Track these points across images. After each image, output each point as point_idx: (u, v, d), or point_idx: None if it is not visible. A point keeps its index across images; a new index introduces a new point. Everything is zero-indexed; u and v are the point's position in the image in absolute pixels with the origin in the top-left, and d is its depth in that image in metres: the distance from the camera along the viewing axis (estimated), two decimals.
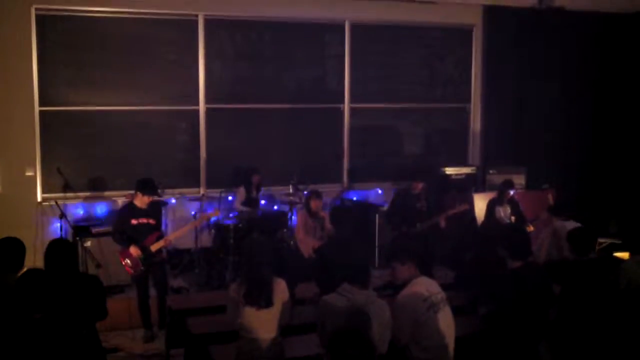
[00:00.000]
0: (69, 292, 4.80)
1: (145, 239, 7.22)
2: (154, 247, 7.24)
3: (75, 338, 4.79)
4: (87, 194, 9.04)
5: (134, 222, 7.24)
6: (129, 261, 7.21)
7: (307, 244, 8.37)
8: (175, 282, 8.52)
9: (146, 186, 7.28)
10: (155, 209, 7.46)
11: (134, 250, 7.15)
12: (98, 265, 7.44)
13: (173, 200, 9.25)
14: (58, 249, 4.95)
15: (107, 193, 9.12)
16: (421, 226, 8.66)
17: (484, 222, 9.21)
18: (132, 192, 7.49)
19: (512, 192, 9.03)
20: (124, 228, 7.26)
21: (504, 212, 9.02)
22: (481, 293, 5.75)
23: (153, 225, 7.31)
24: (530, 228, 8.52)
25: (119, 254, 7.30)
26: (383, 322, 4.53)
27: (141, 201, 7.26)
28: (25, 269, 5.17)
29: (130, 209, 7.32)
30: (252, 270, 4.84)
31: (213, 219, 8.63)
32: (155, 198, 7.64)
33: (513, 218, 8.96)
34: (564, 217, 7.57)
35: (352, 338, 3.50)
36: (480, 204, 9.55)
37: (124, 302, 7.61)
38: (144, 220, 7.26)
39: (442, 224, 8.70)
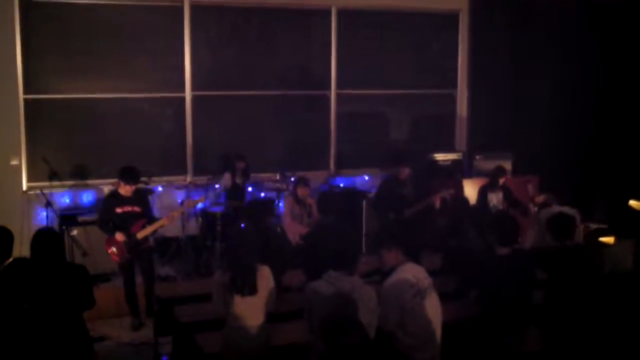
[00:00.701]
0: (55, 281, 4.79)
1: (131, 227, 7.20)
2: (140, 235, 7.22)
3: (62, 327, 4.78)
4: (73, 182, 8.99)
5: (118, 210, 7.22)
6: (114, 249, 7.19)
7: (294, 231, 8.38)
8: (163, 270, 8.51)
9: (127, 174, 7.24)
10: (141, 197, 7.43)
11: (119, 236, 7.14)
12: (85, 254, 7.44)
13: (159, 188, 9.22)
14: (44, 239, 4.93)
15: (93, 181, 9.07)
16: (409, 212, 8.68)
17: (476, 208, 9.21)
18: (117, 180, 7.45)
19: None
20: (109, 217, 7.23)
21: (497, 199, 9.02)
22: (469, 278, 5.78)
23: (138, 213, 7.29)
24: (532, 209, 8.53)
25: (105, 242, 7.28)
26: (369, 308, 4.55)
27: (125, 189, 7.23)
28: (11, 259, 5.15)
29: (114, 197, 7.30)
30: (236, 258, 4.85)
31: (200, 205, 8.62)
32: (140, 186, 7.61)
33: (505, 204, 8.97)
34: (555, 203, 7.58)
35: (347, 326, 3.50)
36: (469, 189, 9.58)
37: (111, 291, 7.61)
38: (129, 208, 7.24)
39: (437, 204, 8.74)
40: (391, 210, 8.69)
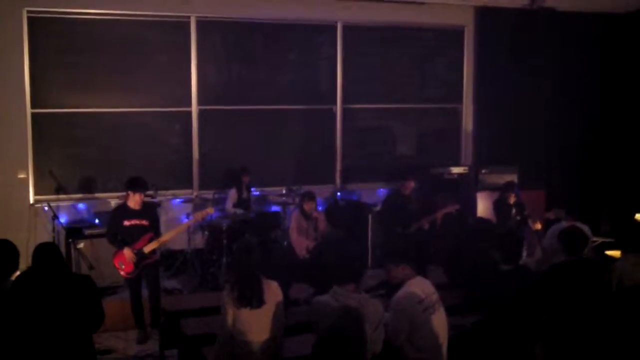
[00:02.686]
0: (58, 293, 4.77)
1: (138, 240, 7.21)
2: (146, 249, 7.22)
3: (66, 340, 4.77)
4: (80, 195, 9.02)
5: (126, 223, 7.21)
6: (122, 263, 7.20)
7: (300, 245, 8.39)
8: (169, 283, 8.51)
9: (136, 184, 7.24)
10: (149, 210, 7.43)
11: (127, 252, 7.12)
12: (91, 267, 7.45)
13: (166, 202, 9.24)
14: (43, 252, 4.92)
15: (99, 195, 9.10)
16: (414, 227, 8.68)
17: (490, 223, 9.20)
18: (124, 193, 7.46)
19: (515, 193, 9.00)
20: (116, 229, 7.24)
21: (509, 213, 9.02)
22: (473, 295, 5.79)
23: (146, 227, 7.28)
24: (538, 226, 8.53)
25: (113, 256, 7.29)
26: (375, 322, 4.55)
27: (134, 201, 7.22)
28: (18, 272, 5.15)
29: (122, 210, 7.29)
30: (242, 272, 4.85)
31: (208, 217, 8.59)
32: (149, 199, 7.61)
33: (519, 219, 8.96)
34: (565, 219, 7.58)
35: (342, 338, 3.48)
36: (482, 203, 9.62)
37: (117, 304, 7.61)
38: (137, 222, 7.22)
39: (426, 226, 8.74)
40: (395, 225, 8.69)
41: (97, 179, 9.10)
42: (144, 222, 7.26)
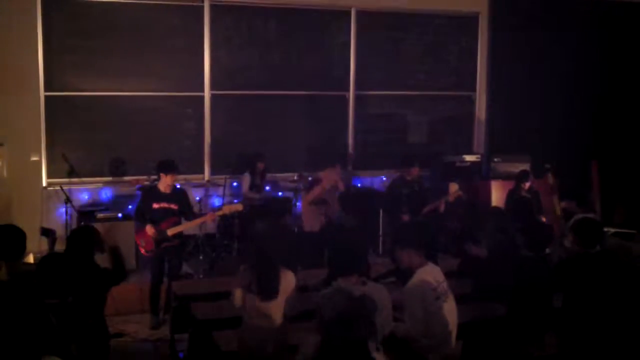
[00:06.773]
0: (86, 278, 4.83)
1: (162, 223, 7.27)
2: (169, 231, 7.27)
3: (83, 321, 4.80)
4: (92, 179, 9.06)
5: (155, 205, 7.32)
6: (143, 241, 7.28)
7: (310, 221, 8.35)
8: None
9: (166, 166, 7.35)
10: (180, 196, 7.48)
11: (149, 229, 7.21)
12: (103, 250, 7.46)
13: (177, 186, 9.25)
14: (80, 235, 5.01)
15: (111, 178, 9.13)
16: (420, 214, 8.64)
17: (502, 211, 9.16)
18: (138, 177, 7.50)
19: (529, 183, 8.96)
20: (145, 210, 7.34)
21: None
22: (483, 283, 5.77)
23: (174, 210, 7.35)
24: (544, 219, 8.51)
25: (135, 233, 7.43)
26: (381, 311, 4.52)
27: (164, 184, 7.32)
28: (30, 255, 5.18)
29: (153, 193, 7.41)
30: (261, 261, 4.83)
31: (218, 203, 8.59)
32: (181, 185, 7.67)
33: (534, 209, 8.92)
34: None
35: (353, 323, 3.46)
36: (495, 192, 9.59)
37: (129, 288, 7.63)
38: (165, 205, 7.31)
39: (442, 207, 8.71)
40: (405, 211, 8.64)
41: (109, 162, 9.12)
42: (173, 206, 7.35)
